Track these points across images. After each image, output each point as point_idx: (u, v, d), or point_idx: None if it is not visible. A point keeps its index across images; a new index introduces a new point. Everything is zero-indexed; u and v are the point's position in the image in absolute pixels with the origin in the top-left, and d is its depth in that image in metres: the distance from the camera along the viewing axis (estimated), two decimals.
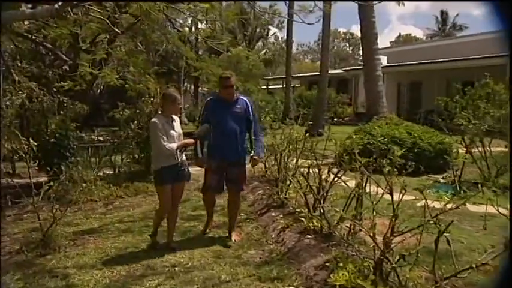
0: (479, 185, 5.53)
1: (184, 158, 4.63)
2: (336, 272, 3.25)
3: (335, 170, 4.61)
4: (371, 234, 3.14)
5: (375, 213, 3.26)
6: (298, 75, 34.84)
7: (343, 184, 4.27)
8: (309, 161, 5.15)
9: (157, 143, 4.36)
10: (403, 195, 3.06)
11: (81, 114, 9.01)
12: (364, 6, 14.06)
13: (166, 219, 4.73)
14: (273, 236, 4.94)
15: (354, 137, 8.43)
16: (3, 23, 4.58)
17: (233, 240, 4.88)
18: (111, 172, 8.73)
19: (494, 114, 7.39)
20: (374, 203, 3.27)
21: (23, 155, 5.16)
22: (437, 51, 21.77)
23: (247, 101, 4.94)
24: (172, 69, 28.25)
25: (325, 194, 4.67)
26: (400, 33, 66.84)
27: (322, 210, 4.44)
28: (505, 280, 1.71)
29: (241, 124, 4.83)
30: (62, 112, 8.26)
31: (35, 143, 5.00)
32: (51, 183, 5.01)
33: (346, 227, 4.11)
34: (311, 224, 4.57)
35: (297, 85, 33.68)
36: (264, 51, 40.48)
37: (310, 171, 4.96)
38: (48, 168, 7.55)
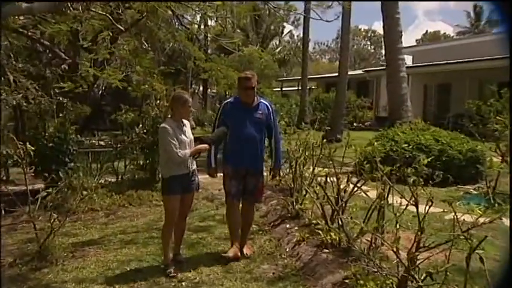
0: None
1: (195, 166, 4.61)
2: None
3: (355, 179, 4.58)
4: (394, 249, 3.11)
5: (398, 226, 3.23)
6: (315, 76, 34.80)
7: (363, 194, 4.24)
8: (327, 169, 5.13)
9: (168, 150, 4.30)
10: (429, 207, 3.03)
11: (81, 117, 9.08)
12: (387, 1, 14.04)
13: (174, 232, 4.68)
14: (288, 250, 4.93)
15: (375, 143, 8.31)
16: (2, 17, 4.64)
17: (244, 253, 4.85)
18: (113, 179, 8.77)
19: None
20: (397, 215, 3.24)
21: (19, 160, 5.10)
22: (468, 50, 21.50)
23: (269, 106, 4.89)
24: (180, 69, 28.39)
25: (344, 205, 4.64)
26: (427, 30, 66.20)
27: (340, 222, 4.41)
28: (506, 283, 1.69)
29: (262, 131, 4.80)
30: (61, 114, 8.29)
31: (32, 148, 5.01)
32: (49, 191, 5.01)
33: (367, 240, 4.08)
34: (329, 237, 4.54)
35: (313, 87, 33.66)
36: (279, 49, 40.47)
37: (328, 180, 4.93)
38: (46, 175, 7.44)
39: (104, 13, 7.32)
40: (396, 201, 3.49)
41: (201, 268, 4.52)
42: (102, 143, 11.97)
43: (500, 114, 7.56)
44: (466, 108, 8.71)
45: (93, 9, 7.21)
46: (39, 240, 4.83)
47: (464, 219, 2.88)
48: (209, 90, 36.25)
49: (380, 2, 14.61)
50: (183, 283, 4.18)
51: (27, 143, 5.03)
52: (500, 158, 7.35)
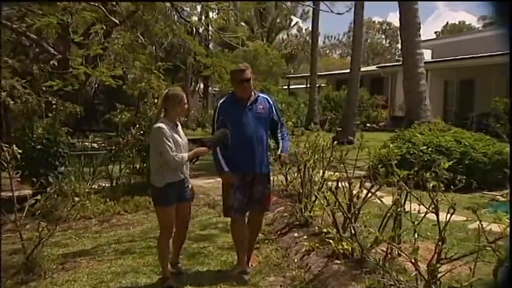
0: None
1: (188, 172, 4.53)
2: None
3: (368, 184, 4.55)
4: (412, 261, 3.09)
5: (416, 235, 3.21)
6: (325, 73, 34.80)
7: (378, 201, 4.21)
8: (338, 174, 5.10)
9: (164, 153, 4.13)
10: (451, 215, 3.00)
11: (72, 117, 9.07)
12: None
13: (173, 241, 4.62)
14: (296, 260, 4.90)
15: (391, 145, 8.26)
16: None
17: (249, 265, 4.82)
18: (107, 184, 8.80)
19: None
20: (416, 223, 3.21)
21: (4, 164, 4.99)
22: (495, 43, 21.24)
23: (269, 99, 4.81)
24: (179, 66, 28.46)
25: (356, 212, 4.60)
26: (447, 22, 65.45)
27: (353, 231, 4.38)
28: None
29: (266, 128, 4.70)
30: (50, 114, 8.29)
31: (19, 150, 4.98)
32: (37, 198, 4.99)
33: (382, 251, 4.06)
34: (340, 247, 4.51)
35: (323, 84, 33.62)
36: (285, 43, 40.50)
37: (339, 185, 4.91)
38: (34, 180, 7.44)
39: (97, 4, 7.33)
40: (414, 209, 3.46)
41: (202, 279, 4.51)
42: (95, 145, 11.98)
43: None
44: (492, 106, 8.63)
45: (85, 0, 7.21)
46: (26, 251, 4.81)
47: (490, 229, 2.86)
48: (210, 88, 36.30)
49: None
50: None
51: (13, 145, 5.00)
52: None
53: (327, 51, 67.97)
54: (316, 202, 5.79)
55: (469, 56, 20.58)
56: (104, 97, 23.66)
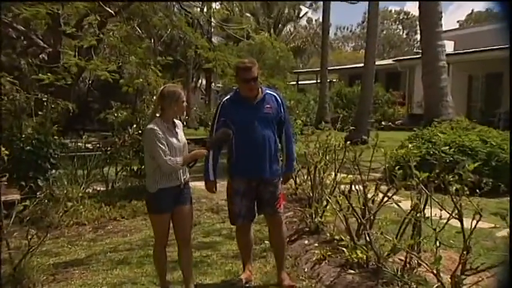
0: None
1: (188, 176, 4.35)
2: None
3: (384, 187, 4.53)
4: (434, 271, 3.06)
5: (438, 243, 3.18)
6: (337, 67, 34.77)
7: (395, 205, 4.18)
8: (351, 176, 5.08)
9: (156, 157, 4.01)
10: (477, 222, 2.97)
11: (64, 116, 9.09)
12: None
13: (180, 267, 4.44)
14: (306, 270, 4.89)
15: (409, 145, 8.27)
16: None
17: (285, 284, 4.57)
18: (102, 188, 8.81)
19: None
20: (437, 230, 3.18)
21: None
22: None
23: (277, 96, 4.64)
24: (179, 60, 28.52)
25: (372, 218, 4.59)
26: (472, 10, 64.58)
27: (368, 238, 4.35)
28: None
29: (273, 129, 4.55)
30: (40, 113, 8.29)
31: (6, 152, 4.99)
32: (26, 203, 4.98)
33: (400, 260, 4.04)
34: (354, 256, 4.50)
35: (334, 80, 33.60)
36: (293, 35, 40.49)
37: (353, 188, 4.89)
38: (22, 184, 7.44)
39: None
40: (435, 214, 3.44)
41: None
42: (89, 145, 12.00)
43: None
44: None
45: None
46: (14, 261, 4.77)
47: None
48: (213, 84, 36.38)
49: None
50: None
51: (0, 146, 5.00)
52: None
53: (339, 44, 67.99)
54: (328, 207, 5.78)
55: (497, 46, 20.28)
56: (98, 94, 23.68)
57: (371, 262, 4.34)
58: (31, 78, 9.15)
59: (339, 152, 5.84)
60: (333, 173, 5.82)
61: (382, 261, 4.13)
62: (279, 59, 26.67)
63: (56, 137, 8.19)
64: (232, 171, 4.56)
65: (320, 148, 6.25)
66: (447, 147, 7.32)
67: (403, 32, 65.25)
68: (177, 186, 4.19)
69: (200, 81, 40.40)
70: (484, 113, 20.23)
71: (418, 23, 15.45)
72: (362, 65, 19.12)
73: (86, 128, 19.09)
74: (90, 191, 8.49)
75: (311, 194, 6.26)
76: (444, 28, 14.81)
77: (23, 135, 7.89)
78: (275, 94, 4.66)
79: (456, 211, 3.06)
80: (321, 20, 30.03)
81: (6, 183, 7.58)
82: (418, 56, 18.76)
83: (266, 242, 5.77)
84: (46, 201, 6.36)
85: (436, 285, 3.08)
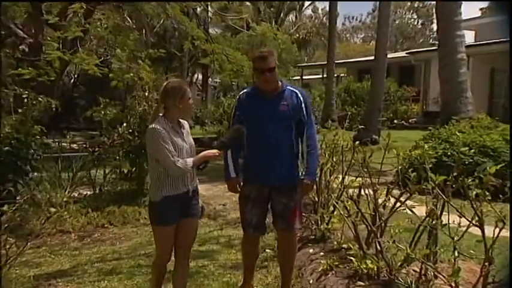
0: None
1: (197, 182, 4.22)
2: None
3: (397, 191, 4.52)
4: (452, 284, 3.04)
5: (456, 253, 3.16)
6: (345, 60, 34.78)
7: (408, 211, 4.17)
8: (360, 179, 5.06)
9: (162, 160, 3.87)
10: (500, 230, 2.96)
11: (47, 113, 9.06)
12: None
13: (171, 280, 4.30)
14: (312, 282, 4.87)
15: (424, 146, 8.26)
16: None
17: None
18: (89, 192, 8.81)
19: None
20: (455, 239, 3.16)
21: None
22: None
23: (300, 93, 4.48)
24: (173, 53, 28.54)
25: (383, 225, 4.58)
26: None
27: (379, 247, 4.34)
28: None
29: (290, 129, 4.41)
30: (20, 110, 8.26)
31: None
32: (4, 209, 4.96)
33: (415, 271, 4.03)
34: (364, 266, 4.47)
35: (342, 74, 33.65)
36: (297, 26, 40.49)
37: (362, 192, 4.88)
38: (0, 187, 7.49)
39: None
40: (453, 221, 3.42)
41: None
42: (74, 146, 12.01)
43: None
44: None
45: None
46: None
47: None
48: (210, 79, 36.41)
49: None
50: None
51: None
52: None
53: (347, 35, 68.04)
54: (335, 213, 5.77)
55: None
56: (84, 90, 23.71)
57: (382, 273, 4.31)
58: (10, 72, 9.10)
59: (346, 153, 5.83)
60: (341, 176, 5.81)
61: (395, 272, 4.11)
62: (281, 52, 26.67)
63: (37, 137, 8.16)
64: (243, 174, 4.50)
65: (326, 149, 6.23)
66: (466, 148, 7.29)
67: (418, 22, 65.10)
68: (184, 194, 4.05)
69: (196, 76, 40.48)
70: (508, 110, 20.15)
71: (434, 11, 15.41)
72: (372, 58, 19.13)
73: (71, 127, 19.04)
74: (76, 195, 8.49)
75: (316, 199, 6.26)
76: (464, 17, 14.74)
77: (1, 135, 7.86)
78: (297, 91, 4.50)
79: (476, 218, 3.04)
80: (327, 9, 30.03)
81: None
82: (434, 47, 18.74)
83: (268, 250, 5.78)
84: (26, 206, 6.33)
85: None
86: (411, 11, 64.96)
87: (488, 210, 3.01)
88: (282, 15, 40.79)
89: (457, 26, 13.91)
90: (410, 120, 24.37)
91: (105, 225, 7.57)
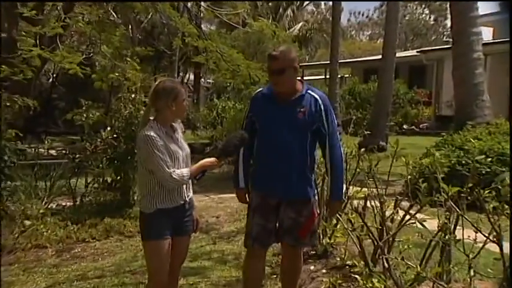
0: None
1: (191, 194, 4.15)
2: None
3: (406, 203, 4.51)
4: None
5: (472, 272, 3.14)
6: (349, 60, 34.85)
7: (419, 225, 4.15)
8: (366, 190, 5.05)
9: (156, 170, 3.77)
10: None
11: (23, 116, 9.05)
12: None
13: None
14: None
15: (436, 153, 8.26)
16: None
17: None
18: (69, 203, 8.79)
19: None
20: (471, 256, 3.14)
21: None
22: None
23: (320, 98, 4.32)
24: (162, 50, 28.56)
25: (391, 240, 4.56)
26: None
27: (386, 264, 4.31)
28: None
29: (304, 138, 4.26)
30: None
31: None
32: None
33: None
34: (370, 285, 4.45)
35: (346, 75, 33.66)
36: (301, 25, 40.54)
37: (368, 204, 4.87)
38: None
39: None
40: (468, 236, 3.41)
41: None
42: (53, 152, 11.99)
43: None
44: None
45: None
46: None
47: None
48: (203, 79, 36.45)
49: None
50: None
51: None
52: None
53: (353, 32, 68.17)
54: (338, 226, 5.77)
55: None
56: (64, 90, 23.66)
57: None
58: None
59: (351, 161, 5.82)
60: (344, 186, 5.80)
61: None
62: None
63: (11, 142, 8.16)
64: (250, 181, 4.45)
65: None
66: (483, 156, 7.23)
67: (430, 17, 65.22)
68: (180, 206, 3.99)
69: (188, 76, 40.52)
70: None
71: (448, 6, 15.42)
72: (380, 57, 19.17)
73: (49, 131, 19.04)
74: (54, 206, 8.46)
75: (318, 211, 6.24)
76: (481, 12, 14.71)
77: None
78: (317, 96, 4.32)
79: (494, 233, 3.03)
80: (330, 3, 30.10)
81: None
82: (448, 46, 18.76)
83: (266, 267, 5.75)
84: None
85: None
86: (423, 6, 64.99)
87: (506, 225, 3.00)
88: (281, 10, 40.89)
89: (473, 22, 13.88)
90: (421, 126, 24.39)
91: (86, 240, 7.54)
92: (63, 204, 8.72)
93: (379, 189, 4.79)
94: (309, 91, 4.30)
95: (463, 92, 13.74)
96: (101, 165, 8.95)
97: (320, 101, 4.27)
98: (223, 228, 8.07)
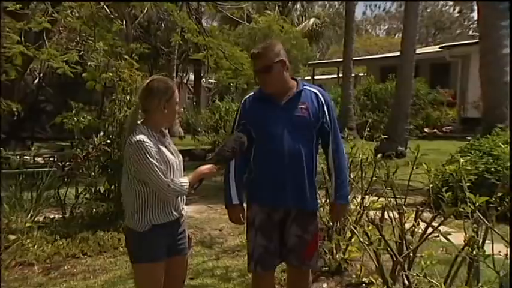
0: None
1: (186, 207, 4.02)
2: None
3: (428, 214, 4.49)
4: None
5: None
6: (364, 57, 34.84)
7: (443, 239, 4.14)
8: (383, 200, 5.05)
9: (152, 180, 3.62)
10: None
11: (6, 120, 9.06)
12: None
13: None
14: None
15: (461, 160, 8.25)
16: None
17: None
18: (58, 216, 8.77)
19: None
20: (501, 273, 3.12)
21: None
22: None
23: (320, 93, 4.29)
24: (160, 48, 28.62)
25: (411, 255, 4.56)
26: None
27: (407, 282, 4.32)
28: None
29: (310, 140, 4.20)
30: None
31: None
32: None
33: None
34: None
35: (361, 74, 33.71)
36: (313, 20, 40.54)
37: (386, 215, 4.85)
38: None
39: None
40: (499, 252, 3.39)
41: None
42: (40, 159, 12.00)
43: None
44: None
45: None
46: None
47: None
48: (204, 79, 36.51)
49: None
50: None
51: None
52: None
53: (368, 27, 68.21)
54: (353, 240, 5.78)
55: None
56: (52, 92, 23.64)
57: None
58: None
59: (367, 168, 5.81)
60: (360, 196, 5.79)
61: None
62: (290, 48, 26.72)
63: None
64: (248, 194, 4.32)
65: None
66: None
67: (454, 9, 65.13)
68: (175, 221, 3.87)
69: (187, 75, 40.55)
70: None
71: None
72: (398, 53, 19.13)
73: (36, 137, 19.06)
74: (41, 219, 8.45)
75: (330, 223, 6.22)
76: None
77: None
78: (317, 91, 4.31)
79: None
80: None
81: None
82: (474, 41, 18.70)
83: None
84: None
85: None
86: None
87: None
88: (289, 3, 40.88)
89: (502, 15, 13.82)
90: (444, 129, 24.38)
91: (77, 255, 7.51)
92: (52, 216, 8.69)
93: (397, 199, 4.78)
94: (306, 86, 4.26)
95: (492, 92, 13.66)
96: (93, 174, 8.91)
97: (320, 95, 4.24)
98: (227, 242, 8.05)
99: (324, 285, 5.58)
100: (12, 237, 6.10)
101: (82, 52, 10.91)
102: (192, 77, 39.03)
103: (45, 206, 8.79)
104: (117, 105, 8.85)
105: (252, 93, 4.38)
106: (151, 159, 3.57)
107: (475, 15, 20.18)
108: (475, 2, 15.31)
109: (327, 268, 5.91)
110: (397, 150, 14.68)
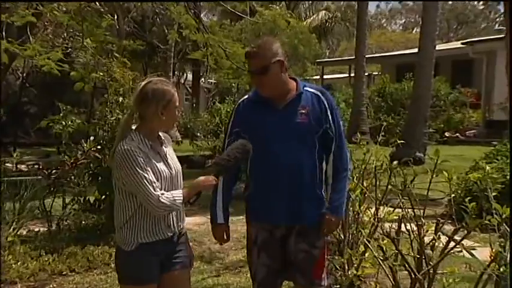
0: None
1: (184, 222, 4.02)
2: None
3: (449, 227, 4.49)
4: None
5: None
6: (378, 54, 34.87)
7: (466, 254, 4.13)
8: (400, 211, 5.04)
9: (140, 193, 3.54)
10: None
11: None
12: None
13: None
14: None
15: (487, 167, 8.23)
16: None
17: None
18: (43, 229, 8.77)
19: None
20: None
21: None
22: None
23: (322, 95, 4.21)
24: (155, 45, 28.67)
25: (431, 272, 4.55)
26: None
27: None
28: None
29: (312, 147, 4.11)
30: None
31: None
32: None
33: None
34: None
35: (375, 73, 33.73)
36: (322, 14, 40.58)
37: (403, 228, 4.84)
38: None
39: None
40: None
41: None
42: (23, 167, 12.01)
43: None
44: None
45: None
46: None
47: None
48: (203, 80, 36.57)
49: None
50: None
51: None
52: None
53: (383, 22, 68.22)
54: (367, 254, 5.75)
55: None
56: (37, 93, 23.65)
57: None
58: None
59: (381, 176, 5.80)
60: (374, 207, 5.78)
61: None
62: (297, 44, 26.75)
63: None
64: (247, 211, 4.30)
65: (354, 171, 6.20)
66: None
67: (478, 2, 65.09)
68: (167, 240, 3.76)
69: (185, 75, 40.55)
70: None
71: None
72: (416, 50, 19.15)
73: (19, 142, 19.06)
74: (25, 232, 8.46)
75: (342, 236, 6.21)
76: None
77: None
78: (319, 92, 4.21)
79: None
80: None
81: None
82: (500, 35, 18.69)
83: None
84: None
85: None
86: None
87: None
88: None
89: None
90: (467, 133, 24.35)
91: (64, 272, 7.51)
92: (36, 229, 8.70)
93: (415, 210, 4.77)
94: (306, 88, 4.18)
95: None
96: (82, 183, 8.92)
97: (323, 98, 4.16)
98: (228, 257, 8.04)
99: None
100: None
101: (70, 49, 10.90)
102: (190, 76, 39.07)
103: (29, 218, 8.77)
104: (108, 108, 8.86)
105: (246, 97, 4.33)
106: (139, 170, 3.50)
107: (501, 7, 20.14)
108: None
109: (338, 286, 5.86)
110: (414, 157, 14.66)
